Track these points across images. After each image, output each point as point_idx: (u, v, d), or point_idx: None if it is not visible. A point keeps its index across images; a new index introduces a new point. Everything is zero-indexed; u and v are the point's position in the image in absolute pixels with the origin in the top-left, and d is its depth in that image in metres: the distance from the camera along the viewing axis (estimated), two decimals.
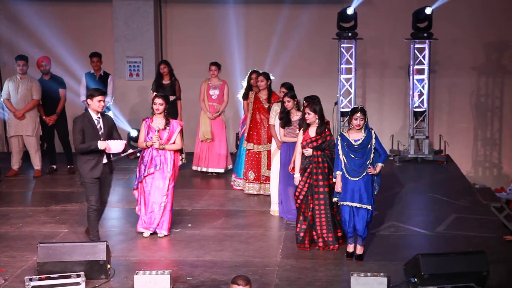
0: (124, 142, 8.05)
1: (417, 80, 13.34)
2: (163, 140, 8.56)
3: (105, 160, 8.18)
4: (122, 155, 8.31)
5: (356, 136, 7.76)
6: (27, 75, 11.80)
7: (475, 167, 14.81)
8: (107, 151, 8.09)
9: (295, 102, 9.18)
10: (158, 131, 8.54)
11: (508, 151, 14.75)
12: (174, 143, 8.63)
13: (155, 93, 10.33)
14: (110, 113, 12.36)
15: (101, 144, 7.96)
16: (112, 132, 8.24)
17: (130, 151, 8.33)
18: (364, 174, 7.73)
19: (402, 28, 13.57)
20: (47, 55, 12.50)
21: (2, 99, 11.85)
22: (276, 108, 9.68)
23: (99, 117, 8.15)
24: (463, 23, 14.25)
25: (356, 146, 7.74)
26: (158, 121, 8.63)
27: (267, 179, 10.47)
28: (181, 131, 8.89)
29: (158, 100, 8.57)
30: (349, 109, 12.75)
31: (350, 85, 13.32)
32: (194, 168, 11.95)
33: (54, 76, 12.20)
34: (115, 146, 8.02)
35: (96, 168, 8.10)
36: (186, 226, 9.17)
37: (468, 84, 14.60)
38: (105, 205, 8.51)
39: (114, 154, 8.31)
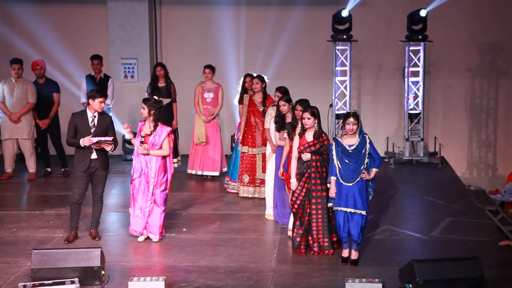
0: (111, 138, 8.42)
1: (412, 82, 13.36)
2: (148, 145, 8.56)
3: (94, 156, 8.44)
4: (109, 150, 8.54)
5: (350, 141, 7.76)
6: (22, 78, 11.75)
7: (470, 168, 14.82)
8: (94, 147, 8.39)
9: (291, 106, 9.15)
10: (144, 137, 8.56)
11: (503, 153, 14.76)
12: (161, 148, 8.63)
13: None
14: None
15: (83, 141, 8.33)
16: (107, 130, 8.53)
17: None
18: (358, 179, 7.72)
19: (397, 30, 13.59)
20: (42, 58, 12.47)
21: None
22: (271, 112, 9.66)
23: (95, 116, 8.48)
24: (458, 25, 14.27)
25: (350, 151, 7.73)
26: (147, 125, 8.63)
27: (262, 182, 10.45)
28: (173, 135, 8.84)
29: (142, 104, 8.62)
30: (344, 112, 12.80)
31: (345, 87, 13.31)
32: (188, 171, 11.92)
33: (49, 79, 12.17)
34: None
35: (83, 162, 8.48)
36: (181, 231, 9.15)
37: (463, 86, 14.62)
38: (99, 198, 8.71)
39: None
